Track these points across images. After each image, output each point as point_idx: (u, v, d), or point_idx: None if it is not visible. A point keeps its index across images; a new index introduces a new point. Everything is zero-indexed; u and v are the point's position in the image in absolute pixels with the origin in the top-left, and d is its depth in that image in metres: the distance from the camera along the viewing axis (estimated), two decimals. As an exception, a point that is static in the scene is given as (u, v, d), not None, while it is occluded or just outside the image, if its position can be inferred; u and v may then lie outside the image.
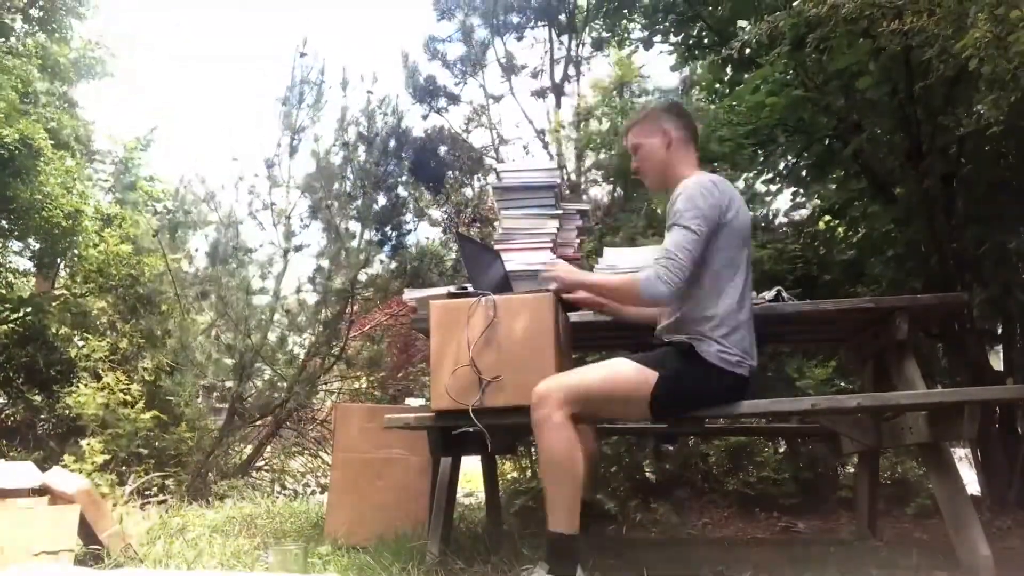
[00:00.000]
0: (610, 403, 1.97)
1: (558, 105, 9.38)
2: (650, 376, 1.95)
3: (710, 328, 1.99)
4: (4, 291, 6.58)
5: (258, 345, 5.08)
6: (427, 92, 9.73)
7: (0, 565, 2.14)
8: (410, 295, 2.58)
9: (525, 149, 9.69)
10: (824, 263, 3.91)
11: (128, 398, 4.86)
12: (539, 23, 9.55)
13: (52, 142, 5.63)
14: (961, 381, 3.35)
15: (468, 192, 9.47)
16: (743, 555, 2.54)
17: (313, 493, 5.12)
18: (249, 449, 5.48)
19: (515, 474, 4.20)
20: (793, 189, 4.40)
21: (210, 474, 4.85)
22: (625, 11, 4.67)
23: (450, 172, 9.32)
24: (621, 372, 1.97)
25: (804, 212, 4.67)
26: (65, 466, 3.93)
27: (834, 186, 4.16)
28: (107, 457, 4.38)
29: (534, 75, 9.77)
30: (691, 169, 2.16)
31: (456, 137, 9.68)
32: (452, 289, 2.30)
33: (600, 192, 7.22)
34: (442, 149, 9.46)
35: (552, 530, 1.84)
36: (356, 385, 6.28)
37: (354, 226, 5.56)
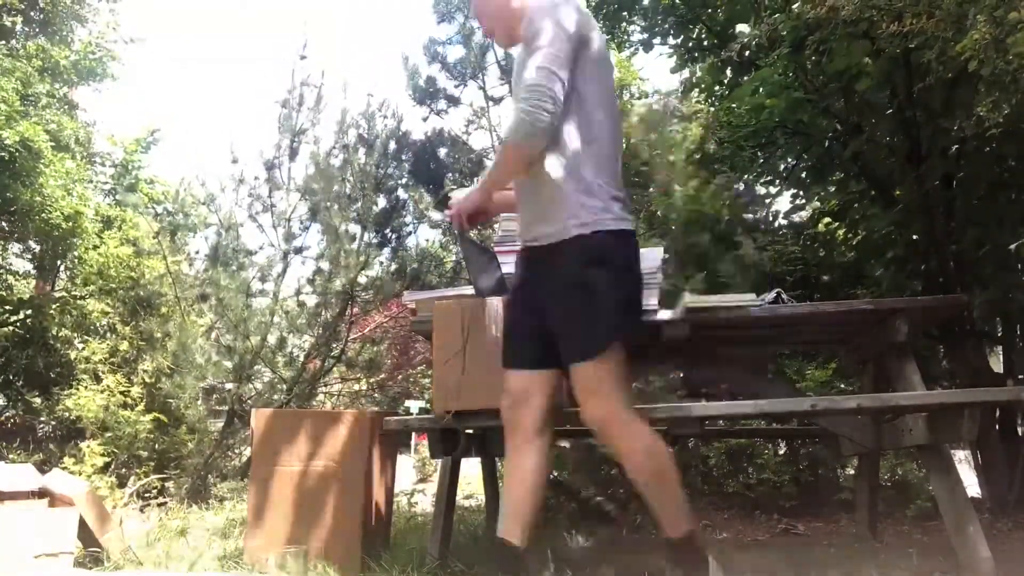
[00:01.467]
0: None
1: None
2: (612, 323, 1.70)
3: (594, 186, 1.73)
4: (4, 293, 6.58)
5: (258, 347, 5.08)
6: (427, 94, 9.75)
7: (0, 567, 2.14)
8: (411, 297, 2.58)
9: (525, 151, 9.71)
10: (824, 265, 3.92)
11: (128, 400, 4.86)
12: (539, 25, 9.57)
13: (52, 144, 5.64)
14: (961, 383, 3.35)
15: (468, 194, 9.47)
16: (743, 557, 2.54)
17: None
18: (249, 451, 5.47)
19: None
20: (793, 191, 4.40)
21: (210, 476, 4.85)
22: (625, 13, 4.67)
23: (450, 174, 9.34)
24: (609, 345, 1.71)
25: (804, 214, 4.68)
26: (65, 468, 3.94)
27: (834, 188, 4.16)
28: (107, 460, 4.39)
29: (534, 77, 9.80)
30: None
31: (456, 139, 9.71)
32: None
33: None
34: (442, 151, 9.48)
35: (681, 536, 1.80)
36: (356, 387, 6.28)
37: (354, 228, 5.56)
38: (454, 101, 9.90)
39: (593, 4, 4.40)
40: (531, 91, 1.66)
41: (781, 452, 4.18)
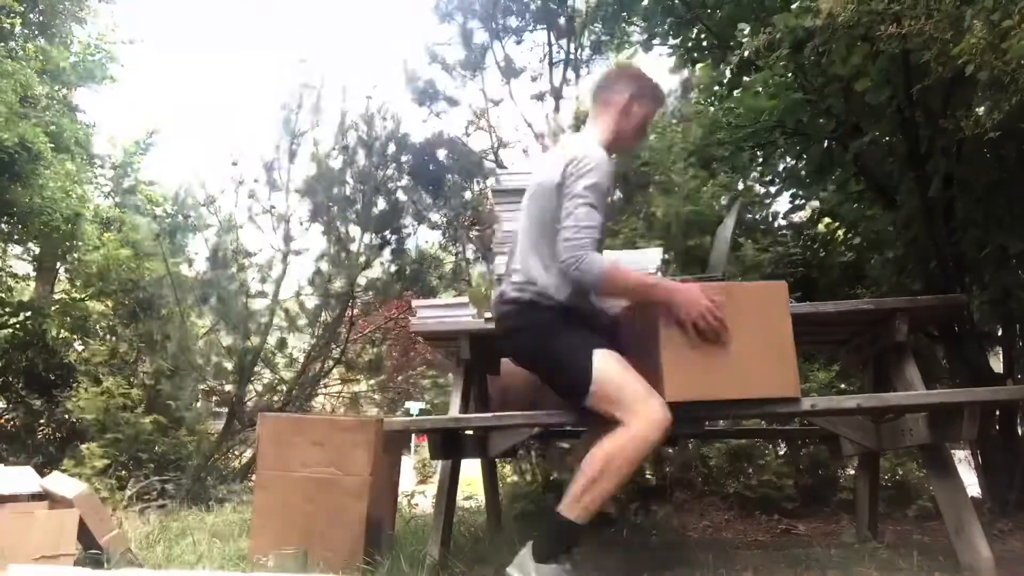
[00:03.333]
0: None
1: (557, 108, 9.38)
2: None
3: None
4: (4, 295, 6.59)
5: (258, 348, 5.07)
6: (426, 96, 9.73)
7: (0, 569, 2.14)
8: (421, 303, 2.58)
9: (525, 152, 9.70)
10: (824, 265, 3.92)
11: (128, 402, 4.86)
12: (538, 26, 9.56)
13: (52, 146, 5.64)
14: (961, 382, 3.35)
15: (468, 196, 9.48)
16: (744, 557, 2.54)
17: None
18: (249, 453, 5.48)
19: (515, 478, 4.20)
20: (793, 191, 4.40)
21: (210, 478, 4.84)
22: (624, 14, 4.67)
23: (449, 176, 9.32)
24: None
25: (804, 214, 4.68)
26: (65, 471, 3.93)
27: (834, 188, 4.16)
28: (107, 462, 4.38)
29: (533, 78, 9.78)
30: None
31: (455, 141, 9.69)
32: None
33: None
34: (441, 153, 9.46)
35: (569, 518, 1.83)
36: (356, 388, 6.28)
37: (353, 230, 5.56)
38: (453, 102, 9.88)
39: (593, 4, 4.40)
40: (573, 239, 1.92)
41: (781, 452, 4.18)
